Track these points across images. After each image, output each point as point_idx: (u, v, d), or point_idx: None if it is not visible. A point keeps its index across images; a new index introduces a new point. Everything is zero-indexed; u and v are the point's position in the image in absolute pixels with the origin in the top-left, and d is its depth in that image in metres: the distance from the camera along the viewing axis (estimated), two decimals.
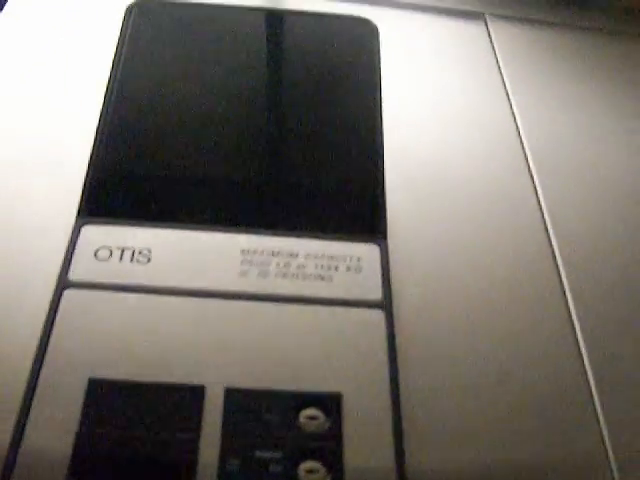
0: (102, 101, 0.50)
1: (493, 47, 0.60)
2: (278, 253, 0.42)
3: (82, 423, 0.34)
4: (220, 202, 0.44)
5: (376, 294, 0.41)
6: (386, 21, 0.59)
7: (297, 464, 0.34)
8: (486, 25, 0.62)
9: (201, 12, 0.57)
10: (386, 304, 0.40)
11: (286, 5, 0.60)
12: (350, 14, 0.59)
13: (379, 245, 0.43)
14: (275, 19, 0.59)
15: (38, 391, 0.35)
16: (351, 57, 0.56)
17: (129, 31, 0.54)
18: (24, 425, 0.34)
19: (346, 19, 0.58)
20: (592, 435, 0.38)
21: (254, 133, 0.50)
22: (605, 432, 0.38)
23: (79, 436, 0.34)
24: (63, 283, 0.39)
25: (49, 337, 0.37)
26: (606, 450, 0.37)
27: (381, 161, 0.48)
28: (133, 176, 0.45)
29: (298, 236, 0.43)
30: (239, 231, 0.42)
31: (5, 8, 0.55)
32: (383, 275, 0.41)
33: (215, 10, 0.57)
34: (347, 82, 0.54)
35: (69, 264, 0.40)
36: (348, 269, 0.41)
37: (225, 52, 0.55)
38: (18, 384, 0.35)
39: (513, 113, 0.54)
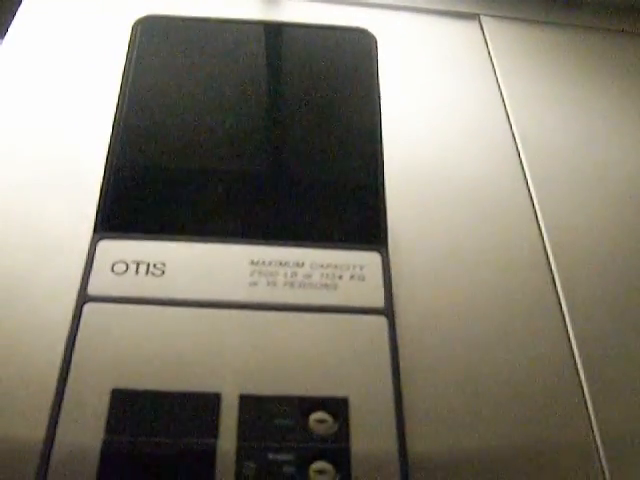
0: (113, 116, 0.51)
1: (487, 47, 0.61)
2: (285, 263, 0.44)
3: (108, 431, 0.37)
4: (229, 214, 0.46)
5: (379, 301, 0.43)
6: (383, 27, 0.61)
7: (308, 465, 0.37)
8: (480, 25, 0.63)
9: (203, 26, 0.59)
10: (388, 311, 0.42)
11: (285, 17, 0.62)
12: (349, 24, 0.61)
13: (381, 253, 0.45)
14: (275, 31, 0.60)
15: (65, 402, 0.37)
16: (350, 67, 0.58)
17: (136, 46, 0.56)
18: (54, 434, 0.36)
19: (345, 29, 0.60)
20: (582, 425, 0.40)
21: (258, 147, 0.52)
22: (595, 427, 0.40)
23: (106, 443, 0.36)
24: (83, 297, 0.42)
25: (72, 350, 0.39)
26: (595, 439, 0.40)
27: (381, 170, 0.50)
28: (145, 191, 0.47)
29: (304, 246, 0.45)
30: (248, 242, 0.45)
31: (11, 29, 0.57)
32: (385, 282, 0.44)
33: (216, 24, 0.59)
34: (346, 91, 0.56)
35: (88, 279, 0.42)
36: (352, 277, 0.44)
37: (227, 64, 0.57)
38: (46, 395, 0.38)
39: (507, 113, 0.56)
